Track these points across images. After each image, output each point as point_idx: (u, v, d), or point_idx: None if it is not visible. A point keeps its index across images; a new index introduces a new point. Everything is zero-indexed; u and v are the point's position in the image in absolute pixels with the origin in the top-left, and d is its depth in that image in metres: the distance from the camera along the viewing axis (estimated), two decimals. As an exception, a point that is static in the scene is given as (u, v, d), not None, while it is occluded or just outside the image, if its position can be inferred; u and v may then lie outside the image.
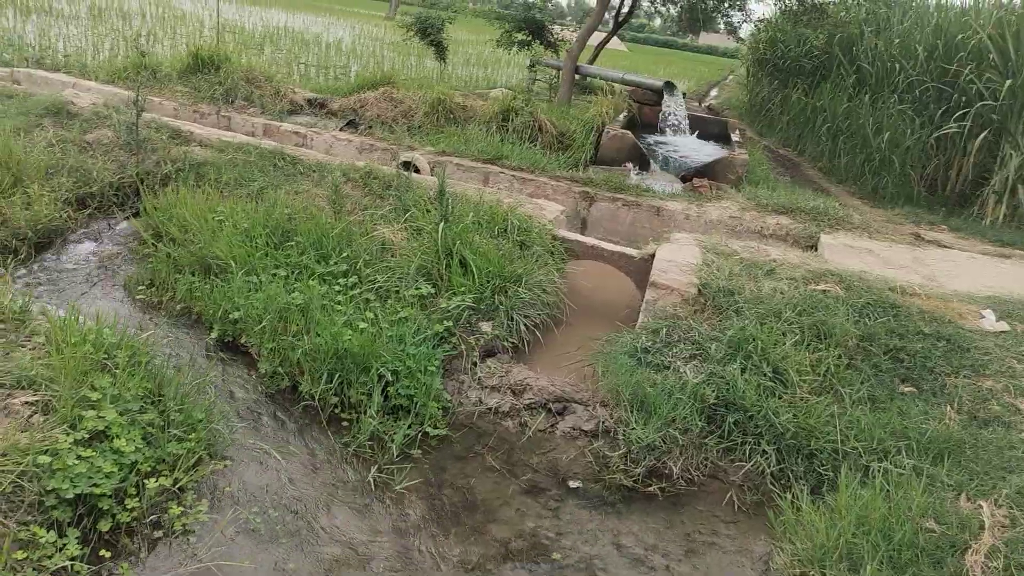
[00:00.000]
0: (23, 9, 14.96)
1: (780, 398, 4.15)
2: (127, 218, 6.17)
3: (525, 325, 4.80)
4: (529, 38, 13.97)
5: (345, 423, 4.14)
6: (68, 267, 5.48)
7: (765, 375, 4.23)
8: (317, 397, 4.19)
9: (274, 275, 4.97)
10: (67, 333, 3.86)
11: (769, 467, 3.92)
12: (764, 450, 3.97)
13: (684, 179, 8.96)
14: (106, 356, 3.82)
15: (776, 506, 3.73)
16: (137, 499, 3.28)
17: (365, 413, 4.09)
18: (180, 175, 6.43)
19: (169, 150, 6.76)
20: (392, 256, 5.26)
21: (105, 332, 3.96)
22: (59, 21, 14.62)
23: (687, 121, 11.62)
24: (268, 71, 10.12)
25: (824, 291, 4.96)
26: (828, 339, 4.49)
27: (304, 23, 22.72)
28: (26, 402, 3.49)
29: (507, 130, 8.90)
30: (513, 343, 4.76)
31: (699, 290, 4.97)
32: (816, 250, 6.23)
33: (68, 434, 3.24)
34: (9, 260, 5.10)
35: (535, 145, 8.81)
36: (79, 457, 3.17)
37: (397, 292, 4.89)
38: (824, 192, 8.92)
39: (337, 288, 4.86)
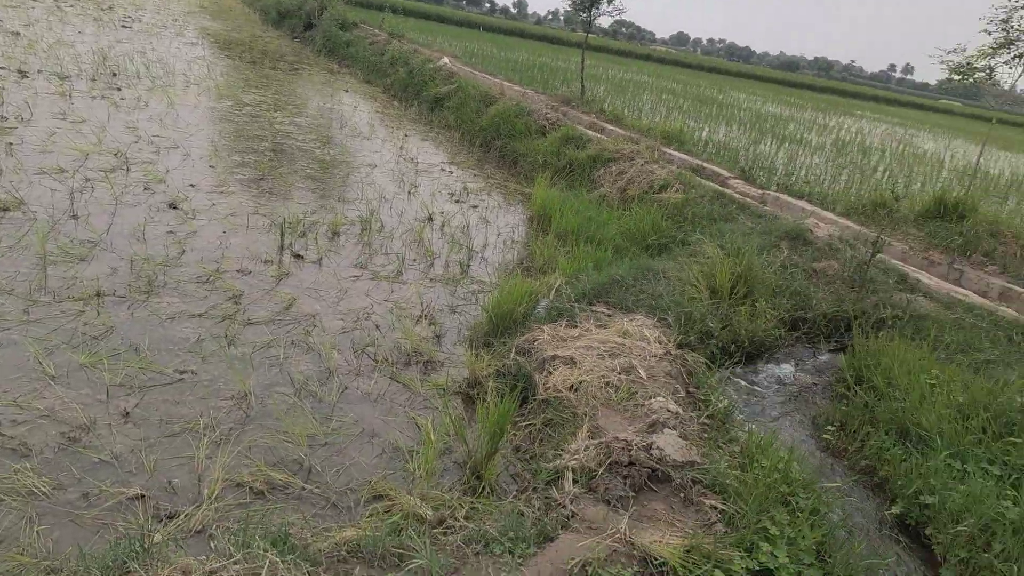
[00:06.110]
0: (779, 138, 17.13)
1: None
2: (831, 351, 6.22)
3: None
4: None
5: None
6: (766, 383, 5.81)
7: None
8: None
9: (986, 470, 4.20)
10: (762, 453, 4.01)
11: None
12: None
13: None
14: (789, 491, 3.80)
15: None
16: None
17: None
18: (896, 323, 6.15)
19: (891, 294, 6.56)
20: None
21: (794, 467, 3.95)
22: (806, 151, 16.17)
23: None
24: (1016, 226, 8.95)
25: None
26: None
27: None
28: (713, 506, 3.73)
29: None
30: None
31: None
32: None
33: (743, 558, 3.30)
34: (726, 361, 5.68)
35: None
36: (746, 588, 3.19)
37: None
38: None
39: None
